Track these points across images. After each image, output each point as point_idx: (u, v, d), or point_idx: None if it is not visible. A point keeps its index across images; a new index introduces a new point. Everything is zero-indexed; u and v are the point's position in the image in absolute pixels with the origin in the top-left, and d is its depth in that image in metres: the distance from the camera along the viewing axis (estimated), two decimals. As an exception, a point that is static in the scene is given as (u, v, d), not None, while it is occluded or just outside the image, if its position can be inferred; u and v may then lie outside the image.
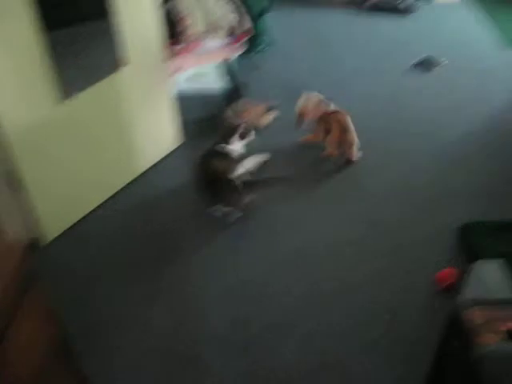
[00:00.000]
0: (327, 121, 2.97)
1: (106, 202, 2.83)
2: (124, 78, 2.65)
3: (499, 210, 2.72)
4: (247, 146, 2.80)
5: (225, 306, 2.28)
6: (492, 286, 1.97)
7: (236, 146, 2.73)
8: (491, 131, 3.34)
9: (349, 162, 3.03)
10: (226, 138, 2.73)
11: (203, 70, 3.74)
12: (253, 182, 2.69)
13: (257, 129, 3.18)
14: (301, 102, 3.01)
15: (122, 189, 2.90)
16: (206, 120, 3.41)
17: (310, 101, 3.00)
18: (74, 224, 2.70)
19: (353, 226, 2.66)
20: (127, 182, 2.92)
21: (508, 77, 3.93)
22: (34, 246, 2.53)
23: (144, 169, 3.00)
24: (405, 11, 4.95)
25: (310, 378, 2.02)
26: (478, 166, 3.05)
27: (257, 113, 3.27)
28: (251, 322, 2.21)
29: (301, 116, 2.99)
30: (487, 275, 2.01)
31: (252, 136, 2.81)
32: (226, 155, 2.67)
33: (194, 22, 3.02)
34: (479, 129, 3.37)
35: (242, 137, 2.76)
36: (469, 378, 1.31)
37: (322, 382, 2.01)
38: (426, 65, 4.04)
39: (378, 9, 5.00)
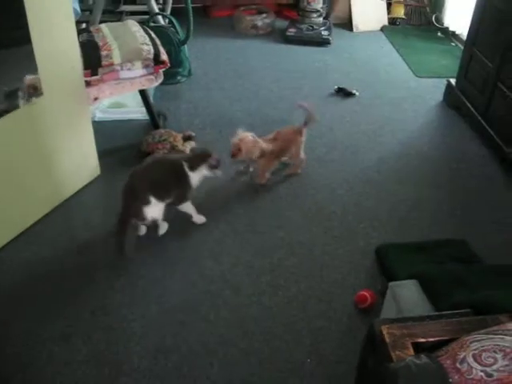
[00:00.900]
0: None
1: (20, 234, 2.74)
2: (39, 107, 2.59)
3: (412, 234, 2.84)
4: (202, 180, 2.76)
5: (147, 337, 2.25)
6: (406, 305, 2.06)
7: (198, 176, 2.69)
8: (404, 156, 3.50)
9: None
10: (194, 163, 2.67)
11: (120, 101, 3.74)
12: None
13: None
14: (235, 140, 2.97)
15: (38, 221, 2.81)
16: (124, 150, 3.39)
17: (243, 139, 2.96)
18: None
19: (272, 253, 2.70)
20: (43, 214, 2.84)
21: (418, 104, 4.15)
22: None
23: (61, 200, 2.93)
24: (323, 42, 5.14)
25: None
26: (392, 190, 3.17)
27: (176, 141, 3.27)
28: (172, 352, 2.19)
29: (235, 154, 2.97)
30: (402, 295, 2.10)
31: (219, 173, 2.76)
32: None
33: (110, 53, 3.00)
34: (394, 153, 3.52)
35: (211, 168, 2.70)
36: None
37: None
38: (342, 94, 4.22)
39: (297, 40, 5.15)
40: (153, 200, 2.53)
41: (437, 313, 1.76)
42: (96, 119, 3.53)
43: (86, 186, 3.08)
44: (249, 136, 2.98)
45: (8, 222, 2.68)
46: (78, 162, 2.99)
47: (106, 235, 2.75)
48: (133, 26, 3.37)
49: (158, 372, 2.11)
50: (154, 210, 2.57)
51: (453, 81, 4.06)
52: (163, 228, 2.74)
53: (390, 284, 2.18)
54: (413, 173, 3.34)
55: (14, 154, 2.58)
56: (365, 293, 2.40)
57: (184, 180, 2.65)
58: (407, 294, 2.12)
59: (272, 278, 2.55)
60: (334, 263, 2.65)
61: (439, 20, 5.49)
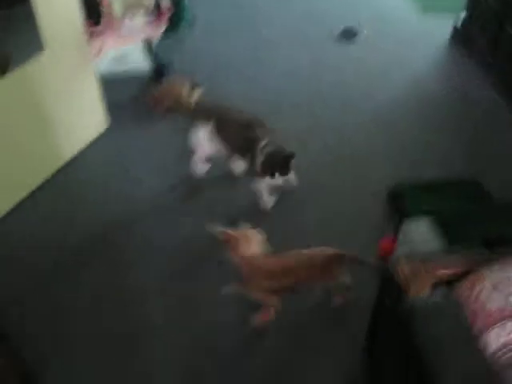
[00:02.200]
0: None
1: (31, 193, 2.74)
2: (43, 62, 2.56)
3: (423, 173, 2.83)
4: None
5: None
6: (420, 243, 2.06)
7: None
8: (413, 96, 3.46)
9: None
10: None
11: (125, 51, 3.68)
12: None
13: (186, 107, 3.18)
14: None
15: (47, 179, 2.81)
16: (130, 102, 3.36)
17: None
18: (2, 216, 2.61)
19: (283, 196, 2.70)
20: (53, 171, 2.84)
21: (424, 42, 4.07)
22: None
23: (70, 156, 2.93)
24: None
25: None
26: (401, 131, 3.15)
27: (180, 92, 3.23)
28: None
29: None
30: (415, 234, 2.10)
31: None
32: None
33: (113, 3, 2.95)
34: (402, 94, 3.48)
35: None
36: (401, 330, 1.38)
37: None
38: (347, 35, 4.12)
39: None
40: None
41: (450, 248, 1.76)
42: (100, 72, 3.48)
43: (95, 139, 3.07)
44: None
45: (20, 179, 2.70)
46: (85, 116, 2.98)
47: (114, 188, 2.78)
48: (133, -26, 3.29)
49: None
50: None
51: (461, 18, 3.96)
52: None
53: (404, 222, 2.19)
54: (422, 114, 3.30)
55: (17, 113, 2.55)
56: (387, 242, 2.38)
57: None
58: (421, 231, 2.12)
59: (289, 224, 2.55)
60: (346, 207, 2.66)
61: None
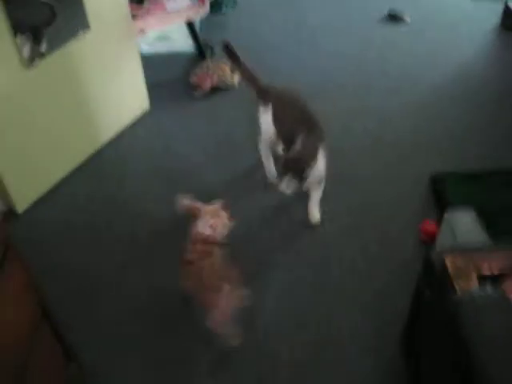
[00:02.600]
0: None
1: (75, 169, 2.78)
2: (87, 42, 2.58)
3: (468, 161, 2.77)
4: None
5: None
6: (463, 233, 2.02)
7: None
8: (461, 83, 3.38)
9: None
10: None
11: (166, 33, 3.68)
12: None
13: (230, 87, 3.17)
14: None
15: (91, 155, 2.86)
16: (172, 83, 3.37)
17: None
18: (45, 193, 2.66)
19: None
20: (95, 149, 2.88)
21: (472, 28, 3.96)
22: (7, 216, 2.50)
23: (113, 134, 2.96)
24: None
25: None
26: (447, 117, 3.08)
27: (224, 72, 3.23)
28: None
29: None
30: (459, 223, 2.06)
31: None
32: None
33: (156, -17, 2.95)
34: (450, 81, 3.40)
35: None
36: (447, 325, 1.35)
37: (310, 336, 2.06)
38: (393, 19, 4.05)
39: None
40: None
41: (498, 243, 1.71)
42: (142, 52, 3.49)
43: (137, 118, 3.09)
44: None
45: (64, 157, 2.74)
46: (127, 96, 3.00)
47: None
48: (177, -45, 3.28)
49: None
50: None
51: (510, 3, 3.84)
52: None
53: (448, 212, 2.15)
54: (469, 100, 3.22)
55: (61, 91, 2.59)
56: (429, 226, 2.34)
57: None
58: (463, 222, 2.08)
59: (327, 207, 2.54)
60: (387, 192, 2.62)
61: None
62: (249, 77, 2.52)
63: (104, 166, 2.83)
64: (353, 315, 2.12)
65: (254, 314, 2.10)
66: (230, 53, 2.52)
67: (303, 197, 2.46)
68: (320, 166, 2.28)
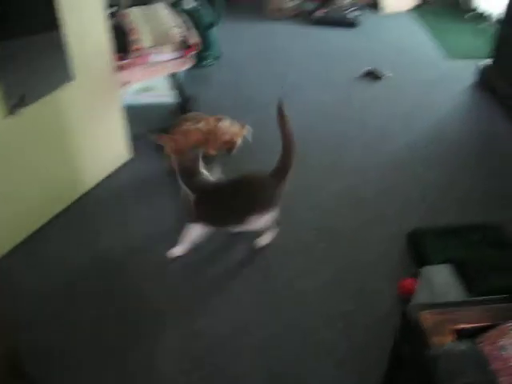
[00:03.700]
0: None
1: (54, 217, 2.76)
2: (71, 92, 2.61)
3: (445, 218, 2.81)
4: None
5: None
6: (440, 290, 2.05)
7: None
8: (436, 140, 3.46)
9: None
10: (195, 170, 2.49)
11: (151, 84, 3.73)
12: None
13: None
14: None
15: (71, 204, 2.84)
16: (156, 133, 3.40)
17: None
18: (21, 242, 2.62)
19: (304, 237, 2.70)
20: (73, 199, 2.86)
21: (448, 86, 4.08)
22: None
23: (92, 185, 2.96)
24: (351, 24, 5.07)
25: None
26: (424, 173, 3.14)
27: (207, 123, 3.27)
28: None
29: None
30: (436, 279, 2.09)
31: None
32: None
33: (141, 36, 3.00)
34: (425, 137, 3.48)
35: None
36: (423, 381, 1.35)
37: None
38: (372, 76, 4.16)
39: (324, 22, 5.09)
40: None
41: (474, 298, 1.73)
42: (125, 103, 3.52)
43: (117, 169, 3.10)
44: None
45: (41, 206, 2.72)
46: (108, 146, 3.02)
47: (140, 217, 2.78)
48: (162, 9, 3.36)
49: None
50: None
51: (485, 62, 3.98)
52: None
53: (423, 268, 2.17)
54: (445, 156, 3.29)
55: (43, 141, 2.59)
56: (408, 283, 2.34)
57: None
58: (441, 279, 2.11)
59: (304, 262, 2.55)
60: (365, 248, 2.64)
61: (468, 1, 5.37)
62: (284, 145, 2.50)
63: (84, 216, 2.82)
64: (327, 371, 2.09)
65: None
66: (281, 113, 2.56)
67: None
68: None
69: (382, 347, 1.98)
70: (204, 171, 2.51)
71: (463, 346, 1.28)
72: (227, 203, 2.44)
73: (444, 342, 1.30)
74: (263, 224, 2.50)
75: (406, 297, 2.30)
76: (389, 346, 1.78)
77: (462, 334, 1.34)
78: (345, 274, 2.49)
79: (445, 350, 1.27)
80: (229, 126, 3.10)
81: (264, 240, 2.61)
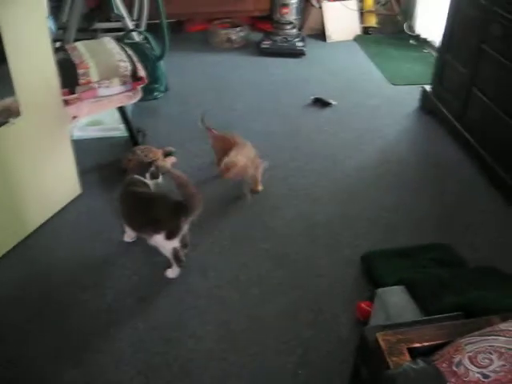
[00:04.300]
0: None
1: (1, 258, 2.68)
2: (18, 129, 2.56)
3: (397, 239, 2.86)
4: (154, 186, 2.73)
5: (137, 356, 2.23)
6: (395, 311, 2.07)
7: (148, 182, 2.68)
8: (386, 162, 3.54)
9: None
10: (140, 174, 2.66)
11: (98, 118, 3.72)
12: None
13: (162, 170, 3.18)
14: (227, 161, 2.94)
15: (19, 243, 2.77)
16: (105, 167, 3.38)
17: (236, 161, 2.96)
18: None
19: (258, 265, 2.69)
20: (22, 238, 2.79)
21: (395, 111, 4.20)
22: None
23: (42, 220, 2.89)
24: (298, 53, 5.18)
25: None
26: (375, 196, 3.20)
27: (156, 156, 3.26)
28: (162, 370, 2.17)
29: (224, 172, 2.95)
30: (390, 301, 2.10)
31: (160, 179, 2.72)
32: (146, 184, 2.65)
33: (87, 71, 2.98)
34: (374, 161, 3.55)
35: (153, 176, 2.68)
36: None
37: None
38: (320, 103, 4.26)
39: (272, 52, 5.20)
40: None
41: (428, 317, 1.76)
42: (74, 137, 3.49)
43: (68, 205, 3.04)
44: (241, 157, 2.96)
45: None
46: (59, 182, 2.96)
47: (85, 256, 2.75)
48: (109, 43, 3.36)
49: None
50: None
51: (427, 87, 4.12)
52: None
53: (378, 290, 2.19)
54: (393, 179, 3.36)
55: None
56: (365, 306, 2.36)
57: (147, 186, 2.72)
58: (395, 300, 2.13)
59: (260, 291, 2.55)
60: (321, 273, 2.65)
61: (411, 28, 5.58)
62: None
63: (32, 254, 2.74)
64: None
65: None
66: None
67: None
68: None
69: (342, 371, 2.00)
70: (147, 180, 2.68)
71: (420, 364, 1.29)
72: (133, 207, 2.60)
73: (401, 361, 1.31)
74: (160, 244, 2.52)
75: (363, 320, 2.32)
76: (349, 369, 1.79)
77: (417, 353, 1.35)
78: (301, 300, 2.49)
79: (402, 369, 1.28)
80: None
81: (169, 272, 2.60)
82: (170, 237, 2.47)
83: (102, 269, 2.67)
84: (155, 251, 2.58)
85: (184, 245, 2.61)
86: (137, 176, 2.66)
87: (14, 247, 2.75)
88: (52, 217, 2.95)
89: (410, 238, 2.86)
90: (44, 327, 2.36)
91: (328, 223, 2.99)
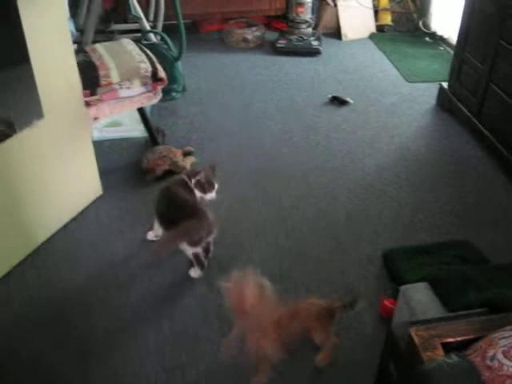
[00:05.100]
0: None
1: (27, 257, 2.71)
2: (41, 130, 2.59)
3: (418, 236, 2.87)
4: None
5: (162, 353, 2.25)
6: (419, 307, 2.07)
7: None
8: (403, 160, 3.54)
9: None
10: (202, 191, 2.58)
11: (118, 119, 3.75)
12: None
13: (182, 170, 3.21)
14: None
15: (43, 243, 2.80)
16: (125, 168, 3.40)
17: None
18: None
19: (280, 263, 2.71)
20: (45, 238, 2.82)
21: (411, 109, 4.20)
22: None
23: (65, 221, 2.92)
24: (314, 52, 5.19)
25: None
26: (394, 194, 3.21)
27: (176, 156, 3.29)
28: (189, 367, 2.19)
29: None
30: (414, 297, 2.11)
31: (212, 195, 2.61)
32: (191, 189, 2.57)
33: (107, 72, 3.01)
34: (392, 159, 3.56)
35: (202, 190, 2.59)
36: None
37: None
38: (337, 102, 4.26)
39: (288, 51, 5.20)
40: None
41: (455, 313, 1.77)
42: (94, 139, 3.52)
43: (90, 205, 3.07)
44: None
45: (19, 242, 2.69)
46: (80, 183, 2.99)
47: (107, 256, 2.78)
48: (128, 44, 3.39)
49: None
50: None
51: (444, 84, 4.12)
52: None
53: (402, 288, 2.20)
54: (412, 177, 3.37)
55: (12, 180, 2.55)
56: (388, 303, 2.38)
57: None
58: (419, 297, 2.13)
59: (282, 288, 2.55)
60: (342, 271, 2.66)
61: (426, 25, 5.57)
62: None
63: (56, 254, 2.77)
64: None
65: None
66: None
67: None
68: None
69: (368, 368, 2.01)
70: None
71: (454, 358, 1.30)
72: (169, 206, 2.56)
73: (435, 356, 1.32)
74: (183, 248, 2.53)
75: (386, 317, 2.33)
76: (375, 366, 1.80)
77: (450, 348, 1.36)
78: (324, 299, 2.50)
79: (437, 364, 1.29)
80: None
81: (192, 272, 2.62)
82: (192, 244, 2.50)
83: (126, 268, 2.69)
84: (179, 251, 2.60)
85: (206, 250, 2.63)
86: (185, 178, 2.60)
87: (36, 249, 2.78)
88: (74, 217, 2.99)
89: (430, 236, 2.87)
90: (69, 326, 2.39)
91: (348, 221, 3.00)
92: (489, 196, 3.20)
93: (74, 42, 3.51)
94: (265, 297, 2.01)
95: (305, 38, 5.26)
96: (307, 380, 2.14)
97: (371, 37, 5.65)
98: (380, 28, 5.75)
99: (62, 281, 2.63)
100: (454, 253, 2.64)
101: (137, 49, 3.34)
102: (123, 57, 3.20)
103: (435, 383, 1.24)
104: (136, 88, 3.08)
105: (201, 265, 2.58)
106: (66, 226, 2.93)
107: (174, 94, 4.23)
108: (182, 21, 3.90)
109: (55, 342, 2.31)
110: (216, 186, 2.61)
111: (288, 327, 1.99)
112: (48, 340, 2.32)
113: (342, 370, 2.17)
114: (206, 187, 2.57)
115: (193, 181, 2.56)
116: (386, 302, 2.38)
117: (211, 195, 2.59)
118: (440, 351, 1.35)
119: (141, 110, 3.41)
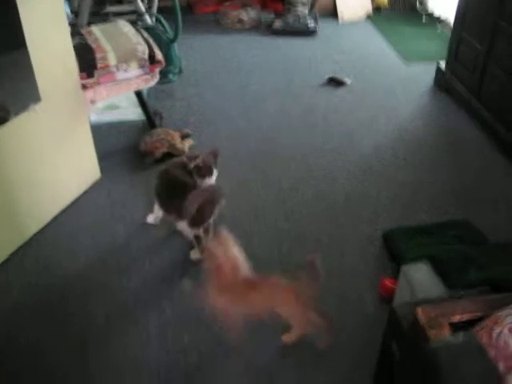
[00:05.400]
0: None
1: (26, 243, 2.71)
2: (38, 114, 2.57)
3: (417, 216, 2.88)
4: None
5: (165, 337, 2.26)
6: (420, 287, 2.08)
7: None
8: (402, 140, 3.54)
9: None
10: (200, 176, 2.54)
11: (115, 102, 3.73)
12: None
13: (180, 153, 3.19)
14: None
15: (43, 228, 2.79)
16: (123, 151, 3.39)
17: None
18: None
19: (279, 244, 2.71)
20: (45, 223, 2.81)
21: (408, 89, 4.20)
22: None
23: (64, 205, 2.91)
24: (310, 33, 5.16)
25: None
26: (392, 174, 3.21)
27: (174, 138, 3.28)
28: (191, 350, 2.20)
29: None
30: (415, 277, 2.12)
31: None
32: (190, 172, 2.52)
33: (104, 55, 2.99)
34: (390, 139, 3.55)
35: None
36: (424, 374, 1.38)
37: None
38: (334, 82, 4.25)
39: (284, 32, 5.18)
40: None
41: (458, 292, 1.77)
42: (91, 122, 3.50)
43: (88, 189, 3.06)
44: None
45: (19, 227, 2.68)
46: (78, 167, 2.98)
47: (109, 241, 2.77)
48: (124, 26, 3.36)
49: (180, 371, 2.12)
50: None
51: (442, 65, 4.10)
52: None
53: (403, 267, 2.21)
54: (410, 157, 3.37)
55: (9, 165, 2.54)
56: (388, 283, 2.39)
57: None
58: (420, 276, 2.14)
59: (283, 270, 2.55)
60: (341, 252, 2.67)
61: (423, 6, 5.53)
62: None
63: (56, 239, 2.76)
64: (318, 379, 2.10)
65: None
66: None
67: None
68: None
69: (370, 348, 2.02)
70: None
71: (461, 337, 1.31)
72: (168, 188, 2.57)
73: (441, 335, 1.33)
74: (183, 229, 2.57)
75: (387, 296, 2.34)
76: (377, 345, 1.81)
77: (456, 327, 1.37)
78: (325, 279, 2.50)
79: (444, 342, 1.30)
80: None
81: (192, 253, 2.62)
82: (193, 225, 2.50)
83: (126, 252, 2.69)
84: (179, 233, 2.60)
85: (206, 231, 2.62)
86: (184, 159, 2.57)
87: (36, 233, 2.77)
88: (74, 201, 2.98)
89: (429, 215, 2.88)
90: (68, 312, 2.39)
91: (347, 202, 3.00)
92: (487, 175, 3.21)
93: (69, 24, 3.46)
94: (240, 265, 2.06)
95: (301, 18, 5.22)
96: (310, 360, 2.15)
97: (368, 18, 5.63)
98: (377, 9, 5.72)
99: (61, 267, 2.62)
100: (453, 232, 2.64)
101: (133, 31, 3.30)
102: (119, 39, 3.17)
103: (442, 362, 1.25)
104: (133, 70, 3.06)
105: (201, 246, 2.58)
106: (64, 210, 2.92)
107: (170, 76, 4.20)
108: (177, 2, 3.87)
109: (54, 329, 2.31)
110: (215, 171, 2.56)
111: (252, 299, 2.04)
112: (47, 327, 2.31)
113: (345, 351, 2.18)
114: (204, 172, 2.52)
115: (191, 165, 2.52)
116: (386, 282, 2.39)
117: (210, 180, 2.55)
118: (447, 329, 1.35)
119: (138, 93, 3.39)
